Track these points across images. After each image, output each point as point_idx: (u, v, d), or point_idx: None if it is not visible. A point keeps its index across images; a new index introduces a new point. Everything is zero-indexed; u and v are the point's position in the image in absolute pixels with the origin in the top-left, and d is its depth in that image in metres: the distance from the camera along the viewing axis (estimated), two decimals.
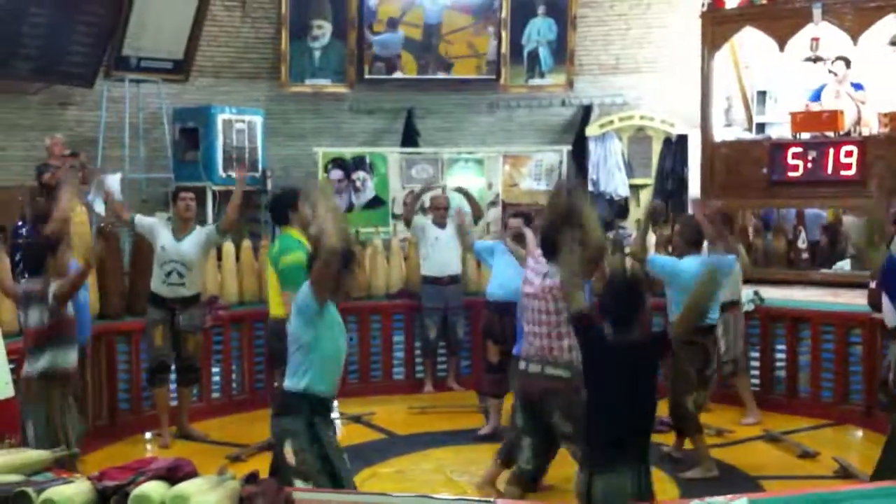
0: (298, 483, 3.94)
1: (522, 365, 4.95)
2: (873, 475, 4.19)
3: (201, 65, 10.98)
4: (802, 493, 3.71)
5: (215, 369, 8.07)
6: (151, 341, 7.00)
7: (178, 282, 6.94)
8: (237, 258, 8.49)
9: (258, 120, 10.59)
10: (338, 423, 7.84)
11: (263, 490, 3.11)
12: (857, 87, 9.73)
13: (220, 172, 10.14)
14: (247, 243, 8.69)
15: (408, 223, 8.67)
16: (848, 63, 9.66)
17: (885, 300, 6.11)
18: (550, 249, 4.76)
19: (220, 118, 10.21)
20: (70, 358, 5.29)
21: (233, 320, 8.18)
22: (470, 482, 6.06)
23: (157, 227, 7.01)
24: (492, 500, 3.42)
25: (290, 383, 4.17)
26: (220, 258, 8.37)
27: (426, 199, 9.20)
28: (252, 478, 3.20)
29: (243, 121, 10.45)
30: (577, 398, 4.57)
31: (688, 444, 6.52)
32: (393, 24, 11.41)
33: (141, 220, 7.18)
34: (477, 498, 3.82)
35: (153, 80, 10.34)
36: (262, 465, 4.49)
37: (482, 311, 7.43)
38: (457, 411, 7.82)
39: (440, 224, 8.52)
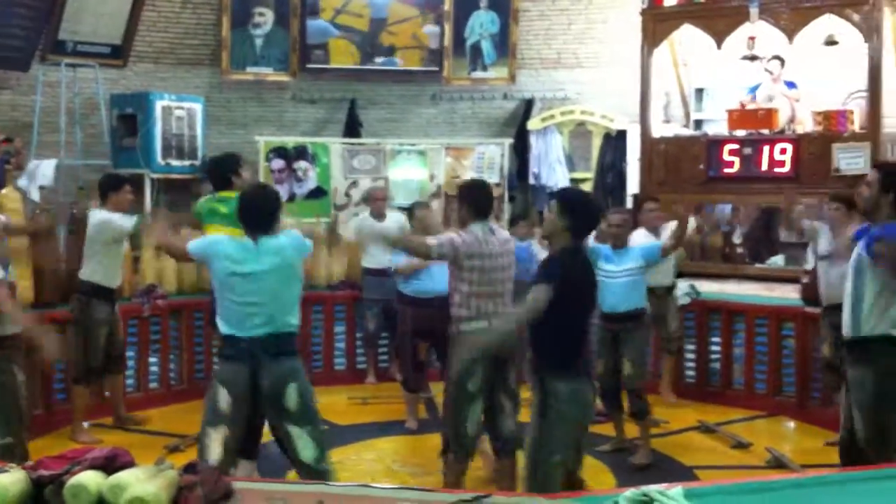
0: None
1: (485, 323, 5.00)
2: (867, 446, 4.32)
3: (140, 50, 10.82)
4: (735, 483, 3.79)
5: (153, 359, 7.99)
6: (97, 342, 6.82)
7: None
8: None
9: (198, 107, 10.46)
10: None
11: (203, 479, 3.09)
12: (791, 85, 9.95)
13: (159, 160, 9.99)
14: (185, 232, 8.57)
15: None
16: (783, 62, 9.88)
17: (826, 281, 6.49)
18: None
19: (160, 105, 10.05)
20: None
21: (172, 310, 8.10)
22: (411, 472, 6.09)
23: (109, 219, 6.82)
24: (432, 488, 3.44)
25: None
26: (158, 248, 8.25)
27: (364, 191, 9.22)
28: (191, 467, 3.18)
29: (183, 108, 10.30)
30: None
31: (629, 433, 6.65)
32: (335, 12, 11.35)
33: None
34: (416, 486, 3.83)
35: (90, 64, 10.15)
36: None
37: (409, 308, 7.19)
38: (399, 402, 7.83)
39: (379, 216, 8.51)
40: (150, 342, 7.91)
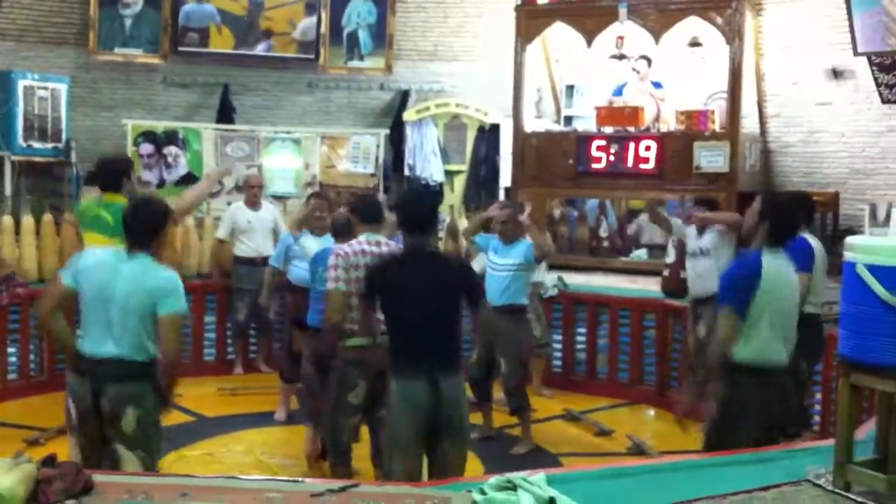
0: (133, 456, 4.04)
1: (367, 340, 4.96)
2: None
3: (2, 27, 10.36)
4: (596, 469, 3.96)
5: (11, 349, 7.71)
6: None
7: None
8: (37, 233, 8.11)
9: (63, 88, 10.09)
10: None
11: (62, 473, 3.04)
12: (657, 85, 10.31)
13: (20, 141, 9.59)
14: (48, 217, 8.31)
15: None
16: (649, 62, 10.22)
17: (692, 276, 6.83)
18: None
19: (22, 84, 9.65)
20: None
21: (32, 298, 7.82)
22: (280, 464, 6.08)
23: None
24: (301, 479, 3.46)
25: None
26: (17, 233, 7.97)
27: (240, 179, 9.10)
28: (50, 460, 3.13)
29: (46, 88, 9.91)
30: None
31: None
32: None
33: None
34: (285, 478, 3.85)
35: None
36: (61, 448, 4.36)
37: (289, 296, 7.29)
38: (268, 393, 7.77)
39: (253, 205, 8.43)
40: (8, 332, 7.62)
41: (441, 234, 9.56)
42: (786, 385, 4.40)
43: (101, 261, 4.24)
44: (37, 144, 9.75)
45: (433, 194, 4.74)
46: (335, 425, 5.19)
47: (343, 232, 5.72)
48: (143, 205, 4.41)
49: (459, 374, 4.37)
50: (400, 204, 4.42)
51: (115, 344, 4.10)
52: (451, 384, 4.23)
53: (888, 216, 3.44)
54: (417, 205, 4.45)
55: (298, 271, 6.84)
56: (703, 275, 6.88)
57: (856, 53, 9.02)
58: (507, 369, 6.58)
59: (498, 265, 6.63)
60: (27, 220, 8.09)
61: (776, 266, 4.30)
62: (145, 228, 4.22)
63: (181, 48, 11.10)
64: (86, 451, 4.21)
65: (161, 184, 10.10)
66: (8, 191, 9.23)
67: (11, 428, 6.75)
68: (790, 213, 4.54)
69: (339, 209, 9.60)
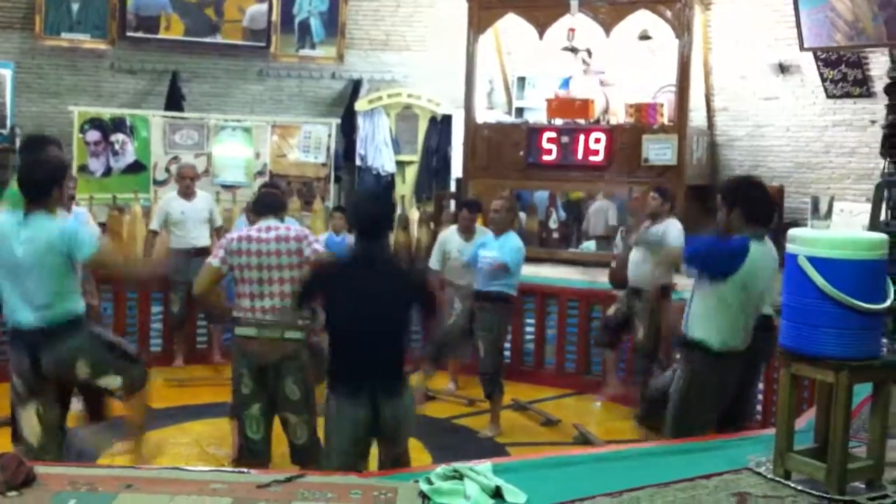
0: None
1: (253, 331, 4.93)
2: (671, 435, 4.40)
3: None
4: (541, 457, 4.00)
5: None
6: None
7: None
8: None
9: (7, 73, 9.91)
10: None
11: (3, 464, 3.00)
12: (599, 73, 10.44)
13: None
14: None
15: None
16: (590, 53, 10.33)
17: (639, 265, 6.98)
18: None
19: None
20: None
21: None
22: (227, 455, 6.03)
23: None
24: (245, 470, 3.45)
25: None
26: None
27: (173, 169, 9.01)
28: None
29: None
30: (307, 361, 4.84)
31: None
32: None
33: None
34: (231, 469, 3.83)
35: None
36: (2, 441, 4.30)
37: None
38: (216, 384, 7.70)
39: (186, 195, 8.29)
40: None
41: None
42: (744, 372, 4.47)
43: (4, 223, 4.21)
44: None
45: (386, 196, 4.41)
46: (237, 417, 5.16)
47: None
48: (37, 161, 4.42)
49: (403, 396, 4.15)
50: (351, 206, 4.26)
51: (37, 311, 4.13)
52: (393, 406, 4.04)
53: (830, 209, 3.50)
54: (370, 207, 4.22)
55: None
56: (636, 266, 7.02)
57: (802, 49, 9.16)
58: (484, 354, 6.75)
59: (488, 258, 6.78)
60: None
61: (760, 254, 4.27)
62: (42, 184, 4.19)
63: (129, 34, 10.93)
64: (48, 419, 4.25)
65: (108, 171, 9.96)
66: None
67: None
68: (760, 191, 4.46)
69: (290, 199, 9.60)
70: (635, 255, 7.07)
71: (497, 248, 6.77)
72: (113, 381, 4.35)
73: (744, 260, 4.21)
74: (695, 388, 4.35)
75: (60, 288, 4.16)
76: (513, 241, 6.84)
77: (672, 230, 6.92)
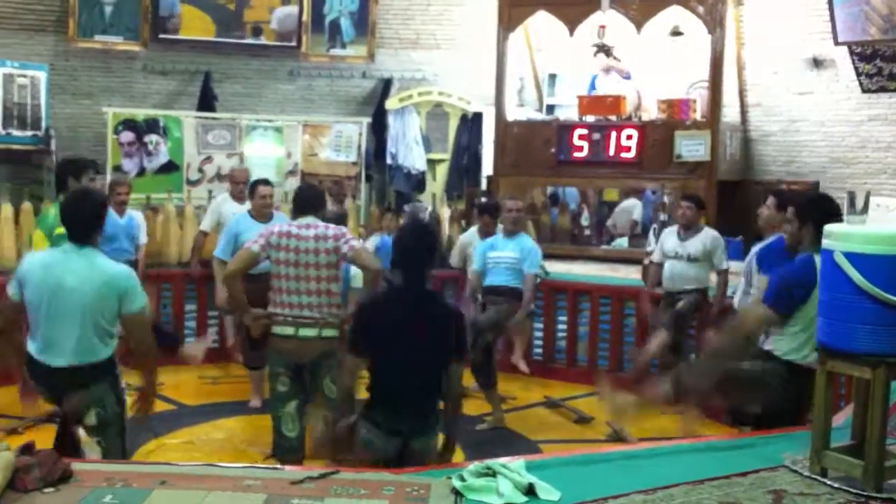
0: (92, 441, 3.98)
1: (290, 330, 4.96)
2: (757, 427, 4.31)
3: None
4: (572, 455, 3.99)
5: None
6: None
7: None
8: (16, 221, 8.07)
9: (42, 75, 10.01)
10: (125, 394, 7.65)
11: (40, 461, 3.03)
12: (627, 77, 10.37)
13: (0, 129, 9.54)
14: (27, 206, 8.26)
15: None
16: (610, 51, 10.30)
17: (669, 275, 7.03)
18: None
19: (1, 72, 9.59)
20: None
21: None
22: (261, 451, 6.07)
23: None
24: (279, 466, 3.47)
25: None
26: None
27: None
28: (28, 449, 3.12)
29: (26, 76, 9.84)
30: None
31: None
32: None
33: None
34: (265, 465, 3.85)
35: None
36: (39, 437, 4.33)
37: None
38: (248, 382, 7.76)
39: (238, 199, 8.36)
40: None
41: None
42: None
43: (44, 263, 4.06)
44: (16, 132, 9.68)
45: (431, 233, 4.21)
46: (273, 418, 5.18)
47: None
48: (79, 198, 4.23)
49: (433, 434, 4.00)
50: (397, 241, 4.06)
51: (70, 352, 3.97)
52: (422, 443, 3.91)
53: (866, 205, 3.45)
54: (415, 244, 4.02)
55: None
56: (676, 277, 7.07)
57: (836, 43, 9.06)
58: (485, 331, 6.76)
59: (500, 258, 6.85)
60: (6, 208, 8.03)
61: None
62: (86, 221, 4.04)
63: (161, 35, 11.02)
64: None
65: (141, 172, 10.05)
66: None
67: None
68: (835, 210, 4.29)
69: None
70: (671, 266, 7.07)
71: (512, 248, 6.83)
72: (93, 442, 4.10)
73: (815, 283, 4.11)
74: (782, 402, 4.26)
75: (96, 329, 4.01)
76: (528, 241, 7.02)
77: (708, 240, 6.99)
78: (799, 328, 4.15)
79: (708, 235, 7.06)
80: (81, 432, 4.05)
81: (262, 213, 6.99)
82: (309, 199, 5.21)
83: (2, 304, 4.26)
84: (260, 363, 7.00)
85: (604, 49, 10.26)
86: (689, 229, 7.07)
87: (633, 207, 10.33)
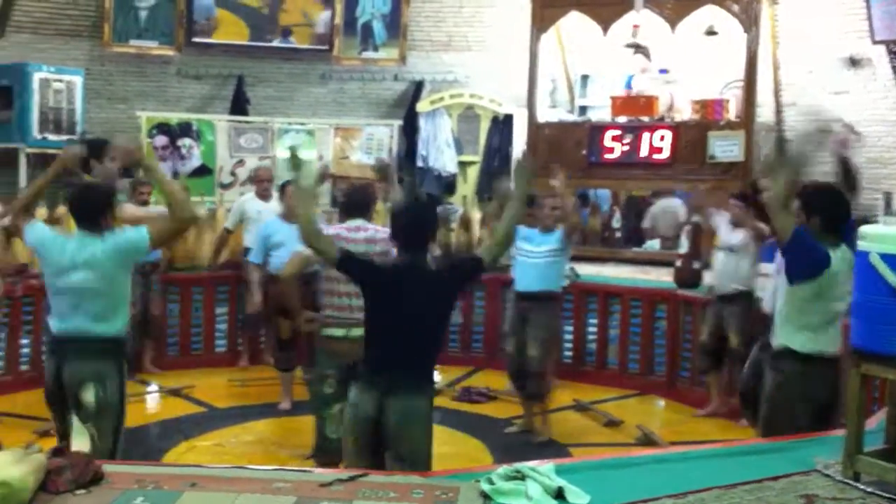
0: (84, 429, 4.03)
1: (341, 332, 4.96)
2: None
3: (18, 20, 10.38)
4: (602, 458, 3.95)
5: (25, 341, 7.74)
6: None
7: None
8: (52, 224, 8.14)
9: (78, 80, 10.13)
10: (156, 396, 7.73)
11: (72, 463, 3.05)
12: (662, 72, 10.28)
13: (35, 134, 9.64)
14: (62, 209, 8.31)
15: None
16: (645, 50, 10.22)
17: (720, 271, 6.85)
18: None
19: (37, 77, 9.70)
20: None
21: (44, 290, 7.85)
22: (290, 454, 6.10)
23: None
24: (309, 469, 3.47)
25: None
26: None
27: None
28: (59, 451, 3.14)
29: (62, 80, 9.95)
30: None
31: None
32: None
33: None
34: (294, 468, 3.85)
35: None
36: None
37: (270, 286, 7.18)
38: (277, 384, 7.79)
39: (263, 197, 8.44)
40: (21, 323, 7.66)
41: (454, 225, 9.56)
42: (836, 379, 4.32)
43: (61, 246, 4.32)
44: (52, 136, 9.78)
45: (431, 212, 4.26)
46: (317, 416, 5.19)
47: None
48: (86, 189, 4.56)
49: (417, 399, 3.93)
50: (395, 218, 4.12)
51: (79, 322, 4.20)
52: (401, 405, 3.86)
53: None
54: (413, 222, 4.10)
55: (278, 261, 6.85)
56: (722, 273, 6.90)
57: (873, 41, 8.95)
58: (534, 352, 6.55)
59: (533, 252, 6.56)
60: (41, 212, 8.11)
61: (839, 260, 4.08)
62: (91, 211, 4.30)
63: (195, 39, 11.11)
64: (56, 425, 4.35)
65: (175, 175, 10.13)
66: (23, 182, 9.27)
67: (23, 419, 6.78)
68: (841, 201, 4.28)
69: None
70: (720, 260, 6.94)
71: (549, 241, 6.56)
72: (84, 430, 4.12)
73: (826, 266, 4.07)
74: (784, 394, 4.23)
75: (110, 297, 4.25)
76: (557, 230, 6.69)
77: (747, 243, 6.79)
78: (817, 320, 4.13)
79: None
80: (75, 420, 4.11)
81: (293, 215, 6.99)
82: (358, 202, 5.22)
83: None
84: (290, 365, 7.05)
85: (641, 49, 10.18)
86: (737, 227, 6.86)
87: (676, 207, 10.14)
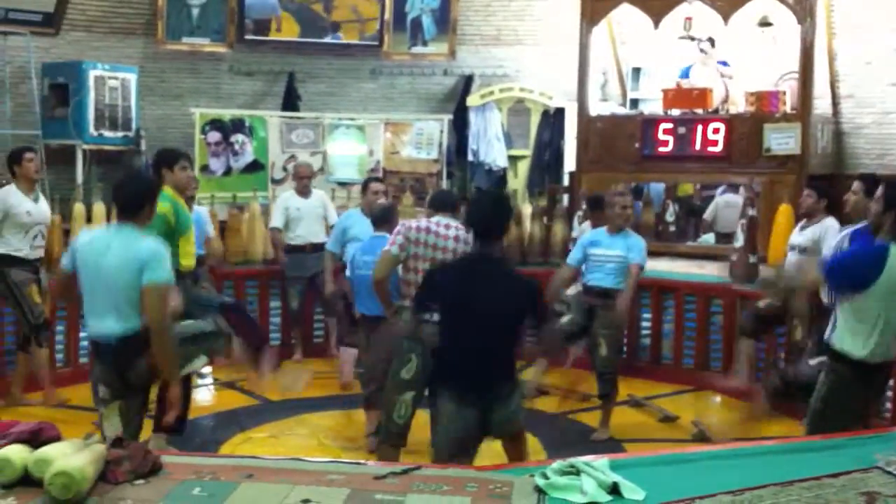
0: None
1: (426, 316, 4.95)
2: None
3: (73, 18, 10.56)
4: (658, 454, 3.91)
5: (83, 333, 7.87)
6: (29, 300, 6.78)
7: (41, 244, 6.94)
8: (108, 220, 8.28)
9: (132, 77, 10.28)
10: (211, 388, 7.83)
11: (130, 454, 3.09)
12: (723, 63, 10.13)
13: (91, 131, 9.80)
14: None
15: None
16: (713, 42, 10.03)
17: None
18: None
19: (92, 74, 9.86)
20: None
21: None
22: (343, 447, 6.14)
23: (7, 195, 6.78)
24: (363, 462, 3.48)
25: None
26: (89, 220, 8.15)
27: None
28: (119, 441, 3.18)
29: (116, 78, 10.10)
30: None
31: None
32: None
33: None
34: (348, 460, 3.87)
35: (21, 32, 9.89)
36: None
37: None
38: (332, 377, 7.85)
39: (302, 193, 8.51)
40: (79, 316, 7.79)
41: None
42: (885, 381, 4.26)
43: (89, 240, 4.44)
44: (107, 133, 9.95)
45: (505, 201, 4.49)
46: (388, 401, 5.19)
47: (381, 221, 6.00)
48: (130, 178, 4.77)
49: (513, 397, 4.15)
50: (471, 208, 4.28)
51: (119, 322, 4.28)
52: (502, 410, 4.05)
53: None
54: (489, 211, 4.26)
55: (351, 253, 6.90)
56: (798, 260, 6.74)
57: None
58: (605, 352, 6.55)
59: (603, 256, 6.58)
60: (98, 208, 8.26)
61: None
62: (132, 200, 4.37)
63: (247, 37, 11.21)
64: (126, 416, 4.46)
65: (228, 171, 10.24)
66: (79, 179, 9.44)
67: (82, 410, 6.90)
68: None
69: (403, 195, 9.71)
70: (789, 261, 6.79)
71: (620, 247, 6.53)
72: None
73: (883, 267, 3.97)
74: (837, 398, 4.16)
75: (127, 303, 4.29)
76: (634, 235, 6.69)
77: (830, 231, 6.45)
78: (870, 325, 4.04)
79: (825, 226, 6.53)
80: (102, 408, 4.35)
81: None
82: (445, 200, 5.38)
83: (56, 273, 4.71)
84: (353, 341, 7.09)
85: (707, 40, 10.05)
86: (809, 219, 6.68)
87: (737, 201, 9.95)
